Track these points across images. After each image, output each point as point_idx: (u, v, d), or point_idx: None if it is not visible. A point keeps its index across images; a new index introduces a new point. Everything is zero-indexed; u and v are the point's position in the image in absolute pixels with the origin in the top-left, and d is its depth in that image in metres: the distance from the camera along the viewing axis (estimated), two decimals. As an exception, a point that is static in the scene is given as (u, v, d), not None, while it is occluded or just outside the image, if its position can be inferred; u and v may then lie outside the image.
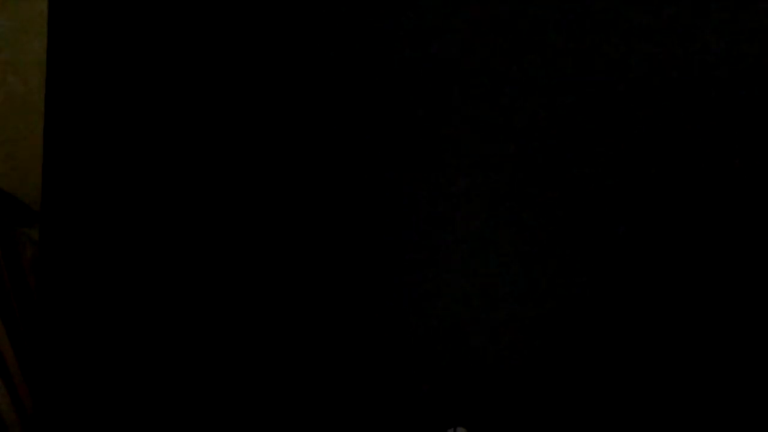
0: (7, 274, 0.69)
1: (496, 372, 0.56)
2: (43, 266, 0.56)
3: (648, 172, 0.55)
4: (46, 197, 0.56)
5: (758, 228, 0.56)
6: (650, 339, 0.56)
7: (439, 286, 0.56)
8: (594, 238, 0.56)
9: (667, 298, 0.56)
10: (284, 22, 0.55)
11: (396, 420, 0.56)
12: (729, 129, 0.55)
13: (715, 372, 0.56)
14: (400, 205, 0.55)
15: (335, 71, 0.55)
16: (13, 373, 0.68)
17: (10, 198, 0.75)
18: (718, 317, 0.56)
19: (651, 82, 0.55)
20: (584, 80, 0.55)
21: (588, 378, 0.56)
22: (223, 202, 0.56)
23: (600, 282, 0.56)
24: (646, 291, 0.56)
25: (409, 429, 0.56)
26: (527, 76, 0.55)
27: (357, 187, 0.55)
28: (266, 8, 0.55)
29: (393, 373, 0.56)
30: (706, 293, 0.56)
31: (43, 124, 0.56)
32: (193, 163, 0.56)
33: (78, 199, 0.56)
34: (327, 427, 0.56)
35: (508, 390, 0.56)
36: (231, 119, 0.55)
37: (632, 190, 0.55)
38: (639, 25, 0.55)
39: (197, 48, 0.55)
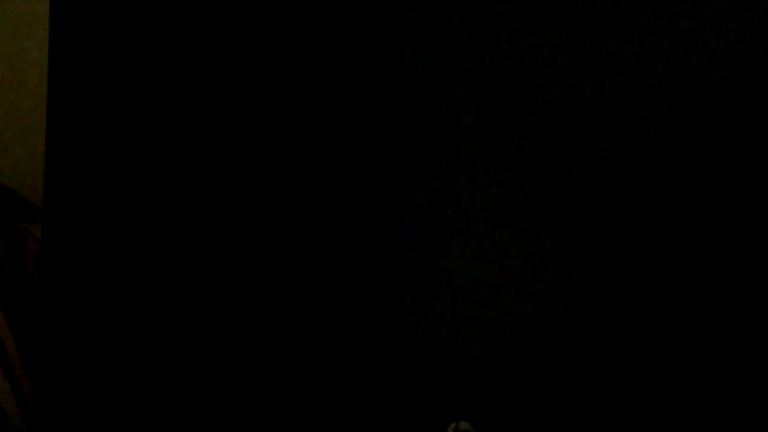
0: (9, 269, 0.69)
1: (498, 367, 0.56)
2: (46, 261, 0.56)
3: (648, 172, 0.55)
4: (48, 193, 0.56)
5: (759, 228, 0.56)
6: (648, 334, 0.56)
7: (443, 283, 0.56)
8: (594, 237, 0.55)
9: (666, 296, 0.56)
10: (286, 22, 0.55)
11: (400, 414, 0.56)
12: (729, 129, 0.55)
13: (714, 370, 0.56)
14: (401, 204, 0.55)
15: (336, 71, 0.55)
16: (15, 365, 0.68)
17: (12, 194, 0.75)
18: (719, 316, 0.56)
19: (651, 82, 0.55)
20: (585, 80, 0.55)
21: (588, 373, 0.56)
22: (223, 199, 0.56)
23: (600, 280, 0.56)
24: (645, 288, 0.56)
25: (413, 423, 0.56)
26: (528, 76, 0.55)
27: (358, 187, 0.55)
28: (268, 8, 0.55)
29: (396, 368, 0.56)
30: (706, 292, 0.56)
31: (45, 120, 0.56)
32: (194, 160, 0.56)
33: (80, 195, 0.56)
34: (332, 420, 0.56)
35: (510, 384, 0.56)
36: (230, 117, 0.55)
37: (633, 190, 0.55)
38: (639, 25, 0.55)
39: (199, 47, 0.55)
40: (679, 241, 0.56)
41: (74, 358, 0.56)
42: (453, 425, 0.56)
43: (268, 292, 0.56)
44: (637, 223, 0.55)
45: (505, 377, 0.56)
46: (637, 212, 0.55)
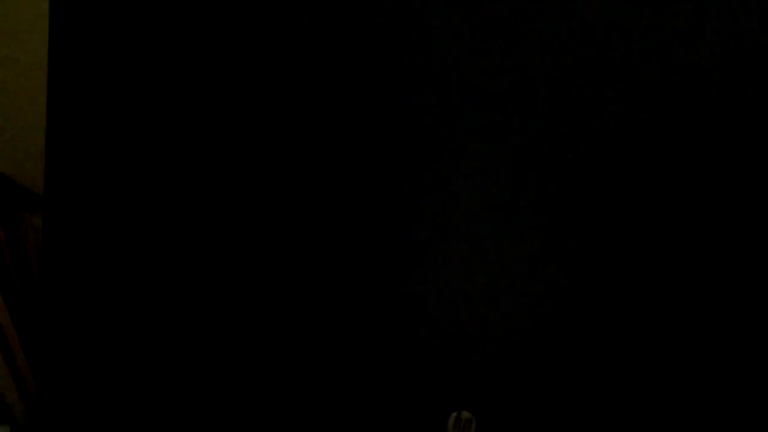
0: (10, 258, 0.69)
1: (499, 358, 0.56)
2: (46, 250, 0.56)
3: (649, 172, 0.55)
4: (49, 183, 0.56)
5: (759, 229, 0.56)
6: (645, 327, 0.56)
7: (445, 277, 0.56)
8: (595, 236, 0.56)
9: (665, 293, 0.56)
10: (288, 22, 0.55)
11: (403, 404, 0.56)
12: (730, 129, 0.55)
13: (714, 368, 0.56)
14: (403, 204, 0.55)
15: (337, 72, 0.55)
16: (15, 353, 0.68)
17: (13, 184, 0.75)
18: (719, 315, 0.56)
19: (651, 82, 0.55)
20: (585, 80, 0.55)
21: (587, 364, 0.56)
22: (223, 196, 0.56)
23: (599, 278, 0.56)
24: (644, 285, 0.56)
25: (415, 413, 0.56)
26: (528, 76, 0.55)
27: (359, 186, 0.55)
28: (269, 9, 0.55)
29: (399, 359, 0.56)
30: (706, 291, 0.56)
31: (46, 109, 0.56)
32: (195, 155, 0.55)
33: (80, 185, 0.56)
34: (335, 410, 0.56)
35: (511, 375, 0.56)
36: (233, 112, 0.55)
37: (633, 190, 0.55)
38: (639, 25, 0.55)
39: (203, 45, 0.55)
40: (680, 241, 0.56)
41: (74, 347, 0.56)
42: (455, 414, 0.56)
43: (270, 289, 0.56)
44: (637, 222, 0.55)
45: (506, 368, 0.56)
46: (638, 212, 0.55)
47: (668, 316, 0.56)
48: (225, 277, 0.56)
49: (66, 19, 0.55)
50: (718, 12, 0.55)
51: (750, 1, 0.55)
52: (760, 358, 0.56)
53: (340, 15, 0.55)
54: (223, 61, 0.55)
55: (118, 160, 0.56)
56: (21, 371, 0.70)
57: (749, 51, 0.55)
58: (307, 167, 0.56)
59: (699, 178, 0.55)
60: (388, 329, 0.56)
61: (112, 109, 0.55)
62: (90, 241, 0.56)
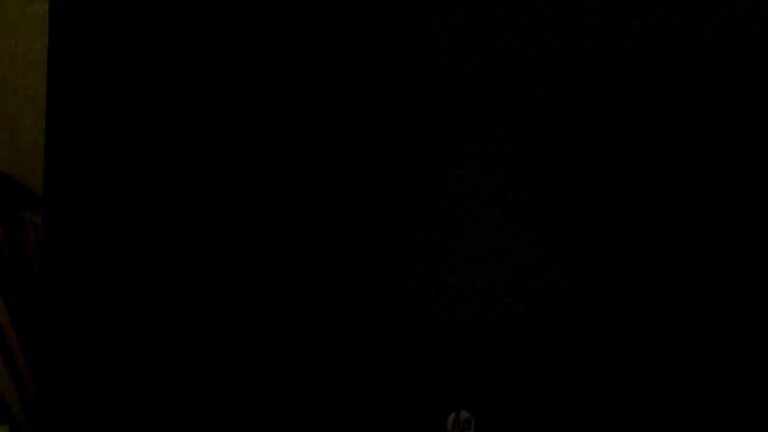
0: (9, 257, 0.69)
1: (498, 358, 0.56)
2: (46, 249, 0.56)
3: (649, 172, 0.55)
4: (48, 182, 0.56)
5: (760, 229, 0.56)
6: (646, 329, 0.56)
7: (444, 278, 0.56)
8: (595, 236, 0.56)
9: (666, 293, 0.56)
10: (288, 22, 0.55)
11: (401, 404, 0.56)
12: (730, 129, 0.55)
13: (714, 367, 0.56)
14: (404, 203, 0.56)
15: (338, 72, 0.55)
16: (14, 353, 0.68)
17: (13, 183, 0.75)
18: (719, 316, 0.56)
19: (652, 82, 0.55)
20: (585, 80, 0.55)
21: (587, 365, 0.56)
22: (223, 193, 0.56)
23: (600, 277, 0.56)
24: (645, 287, 0.56)
25: (414, 413, 0.56)
26: (528, 76, 0.55)
27: (359, 186, 0.55)
28: (269, 9, 0.55)
29: (398, 360, 0.56)
30: (708, 291, 0.56)
31: (46, 107, 0.56)
32: (195, 154, 0.55)
33: (79, 184, 0.56)
34: (334, 410, 0.56)
35: (510, 375, 0.56)
36: (233, 113, 0.55)
37: (634, 190, 0.55)
38: (639, 25, 0.55)
39: (200, 47, 0.55)
40: (681, 241, 0.56)
41: (74, 347, 0.56)
42: (453, 414, 0.56)
43: (271, 288, 0.56)
44: (638, 222, 0.55)
45: (505, 367, 0.56)
46: (639, 211, 0.55)
47: (669, 316, 0.56)
48: (225, 276, 0.56)
49: (66, 17, 0.55)
50: (719, 12, 0.55)
51: (750, 1, 0.55)
52: (761, 359, 0.56)
53: (341, 15, 0.55)
54: (223, 59, 0.55)
55: (117, 159, 0.56)
56: (20, 371, 0.70)
57: (750, 51, 0.55)
58: (307, 167, 0.56)
59: (700, 178, 0.55)
60: (387, 329, 0.56)
61: (112, 108, 0.55)
62: (90, 241, 0.56)
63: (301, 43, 0.55)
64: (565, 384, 0.56)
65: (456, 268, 0.56)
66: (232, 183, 0.55)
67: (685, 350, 0.56)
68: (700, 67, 0.55)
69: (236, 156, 0.55)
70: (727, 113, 0.55)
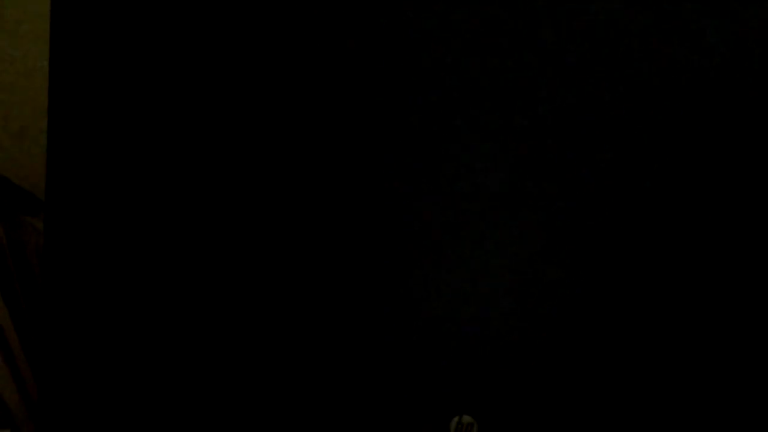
0: (11, 261, 0.69)
1: (501, 361, 0.56)
2: (48, 254, 0.56)
3: (650, 173, 0.55)
4: (50, 186, 0.56)
5: (760, 229, 0.56)
6: (648, 332, 0.56)
7: (445, 280, 0.56)
8: (598, 238, 0.55)
9: (667, 295, 0.56)
10: (288, 22, 0.55)
11: (403, 408, 0.56)
12: (730, 129, 0.55)
13: (715, 368, 0.56)
14: (404, 205, 0.55)
15: (338, 71, 0.55)
16: (17, 356, 0.68)
17: (15, 187, 0.75)
18: (722, 315, 0.56)
19: (652, 82, 0.55)
20: (585, 80, 0.55)
21: (590, 369, 0.56)
22: (224, 197, 0.56)
23: (603, 279, 0.56)
24: (647, 288, 0.56)
25: (417, 417, 0.56)
26: (527, 76, 0.55)
27: (360, 186, 0.55)
28: (269, 9, 0.55)
29: (400, 363, 0.56)
30: (708, 291, 0.56)
31: (47, 110, 0.56)
32: (196, 157, 0.55)
33: (81, 188, 0.56)
34: (336, 414, 0.56)
35: (513, 379, 0.56)
36: (234, 115, 0.55)
37: (634, 190, 0.55)
38: (640, 25, 0.55)
39: (205, 43, 0.55)
40: (682, 241, 0.55)
41: (76, 349, 0.56)
42: (456, 419, 0.56)
43: (272, 290, 0.56)
44: (639, 223, 0.55)
45: (508, 371, 0.56)
46: (640, 212, 0.55)
47: (671, 318, 0.56)
48: (227, 278, 0.56)
49: (67, 19, 0.55)
50: (719, 13, 0.55)
51: (750, 1, 0.55)
52: (761, 358, 0.56)
53: (342, 15, 0.55)
54: (224, 59, 0.55)
55: (119, 162, 0.56)
56: (22, 374, 0.70)
57: (750, 52, 0.55)
58: (306, 167, 0.55)
59: (700, 178, 0.55)
60: (389, 333, 0.56)
61: (114, 111, 0.55)
62: (92, 244, 0.56)
63: (300, 43, 0.55)
64: (568, 388, 0.56)
65: (458, 271, 0.56)
66: (233, 183, 0.55)
67: (688, 351, 0.56)
68: (701, 67, 0.55)
69: (237, 156, 0.55)
70: (727, 113, 0.55)
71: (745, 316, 0.56)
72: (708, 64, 0.55)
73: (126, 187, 0.56)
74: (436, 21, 0.55)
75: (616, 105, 0.55)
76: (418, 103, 0.55)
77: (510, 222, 0.55)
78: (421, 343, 0.56)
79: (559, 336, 0.56)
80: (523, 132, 0.55)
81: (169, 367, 0.56)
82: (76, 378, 0.56)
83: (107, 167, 0.56)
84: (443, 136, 0.55)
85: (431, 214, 0.55)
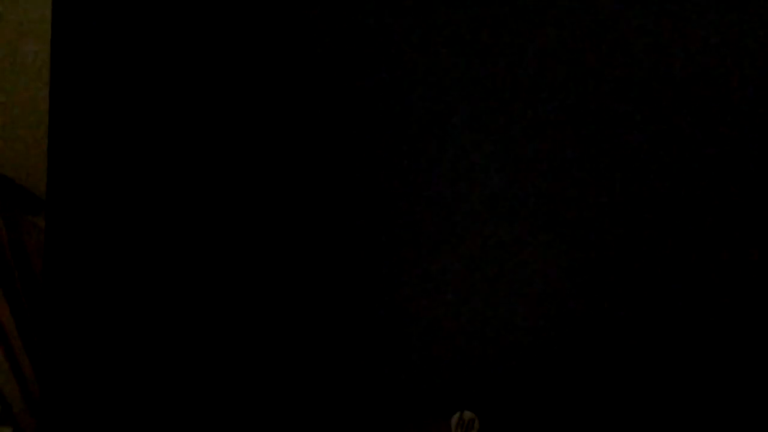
0: (12, 259, 0.69)
1: (502, 357, 0.56)
2: (49, 252, 0.56)
3: (649, 172, 0.55)
4: (51, 185, 0.56)
5: (760, 230, 0.56)
6: (647, 329, 0.56)
7: (446, 277, 0.56)
8: (597, 237, 0.56)
9: (668, 296, 0.56)
10: (288, 22, 0.55)
11: (405, 405, 0.56)
12: (730, 129, 0.55)
13: (715, 368, 0.56)
14: (407, 204, 0.56)
15: (337, 71, 0.55)
16: (18, 355, 0.68)
17: (15, 186, 0.75)
18: (722, 315, 0.56)
19: (651, 83, 0.55)
20: (585, 79, 0.55)
21: (590, 365, 0.56)
22: (223, 195, 0.56)
23: (602, 276, 0.56)
24: (646, 287, 0.56)
25: (418, 412, 0.56)
26: (526, 76, 0.55)
27: (359, 186, 0.55)
28: (269, 9, 0.55)
29: (402, 359, 0.56)
30: (707, 292, 0.56)
31: (48, 110, 0.56)
32: (196, 156, 0.56)
33: (82, 187, 0.56)
34: (337, 410, 0.56)
35: (514, 375, 0.56)
36: (233, 114, 0.55)
37: (633, 190, 0.55)
38: (638, 25, 0.55)
39: (201, 43, 0.55)
40: (682, 242, 0.56)
41: (77, 347, 0.56)
42: (457, 414, 0.56)
43: (274, 289, 0.56)
44: (639, 223, 0.55)
45: (509, 367, 0.56)
46: (639, 212, 0.55)
47: (670, 317, 0.56)
48: (226, 277, 0.56)
49: (68, 19, 0.55)
50: (719, 12, 0.55)
51: (750, 1, 0.55)
52: (763, 361, 0.56)
53: (340, 16, 0.55)
54: (223, 60, 0.55)
55: (120, 161, 0.56)
56: (24, 372, 0.70)
57: (750, 51, 0.55)
58: (307, 169, 0.56)
59: (700, 178, 0.55)
60: (390, 330, 0.56)
61: (115, 110, 0.55)
62: (92, 242, 0.56)
63: (300, 43, 0.55)
64: (568, 383, 0.56)
65: (458, 268, 0.56)
66: (232, 183, 0.55)
67: (687, 350, 0.56)
68: (700, 67, 0.55)
69: (236, 156, 0.55)
70: (727, 113, 0.55)
71: (747, 317, 0.56)
72: (708, 64, 0.55)
73: (126, 186, 0.56)
74: (435, 21, 0.55)
75: (614, 104, 0.55)
76: (418, 102, 0.55)
77: (512, 220, 0.55)
78: (422, 339, 0.56)
79: (559, 332, 0.56)
80: (523, 131, 0.55)
81: (170, 365, 0.56)
82: (76, 375, 0.57)
83: (107, 166, 0.56)
84: (443, 136, 0.55)
85: (435, 214, 0.55)
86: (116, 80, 0.55)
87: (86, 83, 0.56)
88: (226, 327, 0.56)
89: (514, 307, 0.56)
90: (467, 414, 0.56)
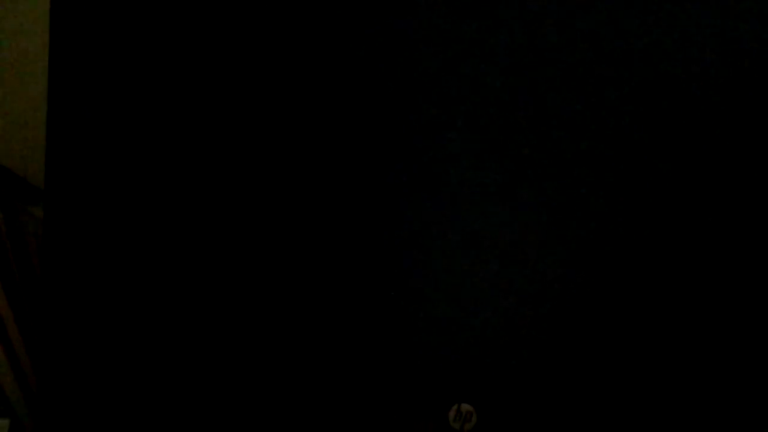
0: (11, 250, 0.69)
1: (499, 350, 0.56)
2: (47, 243, 0.56)
3: (648, 171, 0.55)
4: (50, 175, 0.56)
5: (759, 229, 0.56)
6: (643, 323, 0.56)
7: (444, 270, 0.56)
8: (594, 232, 0.56)
9: (664, 291, 0.56)
10: (287, 21, 0.55)
11: (403, 397, 0.56)
12: (730, 129, 0.55)
13: (715, 365, 0.56)
14: (404, 200, 0.56)
15: (335, 69, 0.55)
16: (16, 348, 0.68)
17: (14, 177, 0.75)
18: (722, 312, 0.56)
19: (651, 83, 0.55)
20: (585, 79, 0.55)
21: (587, 358, 0.56)
22: (221, 188, 0.56)
23: (598, 271, 0.56)
24: (643, 282, 0.56)
25: (417, 405, 0.56)
26: (526, 75, 0.55)
27: (359, 186, 0.55)
28: (269, 8, 0.55)
29: (400, 352, 0.56)
30: (705, 288, 0.56)
31: (47, 101, 0.56)
32: (194, 149, 0.55)
33: (80, 178, 0.56)
34: (336, 403, 0.56)
35: (511, 367, 0.56)
36: (231, 110, 0.55)
37: (632, 190, 0.55)
38: (636, 26, 0.55)
39: (201, 45, 0.55)
40: (679, 240, 0.56)
41: (75, 340, 0.56)
42: (455, 407, 0.56)
43: (272, 283, 0.56)
44: (637, 219, 0.56)
45: (506, 360, 0.56)
46: (637, 212, 0.55)
47: (667, 312, 0.56)
48: (224, 268, 0.56)
49: (67, 12, 0.55)
50: (719, 12, 0.55)
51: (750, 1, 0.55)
52: (760, 358, 0.56)
53: (340, 17, 0.55)
54: (222, 58, 0.55)
55: (118, 152, 0.56)
56: (21, 364, 0.70)
57: (749, 51, 0.55)
58: (307, 169, 0.55)
59: (699, 177, 0.55)
60: (389, 323, 0.56)
61: (112, 101, 0.55)
62: (91, 234, 0.56)
63: (299, 44, 0.55)
64: (565, 376, 0.56)
65: (456, 261, 0.56)
66: (231, 175, 0.55)
67: (681, 345, 0.56)
68: (699, 67, 0.55)
69: (235, 149, 0.55)
70: (726, 113, 0.55)
71: (746, 315, 0.56)
72: (707, 63, 0.55)
73: (124, 177, 0.56)
74: (434, 23, 0.55)
75: (612, 103, 0.55)
76: (417, 100, 0.55)
77: (510, 215, 0.55)
78: (420, 333, 0.56)
79: (557, 326, 0.56)
80: (523, 130, 0.55)
81: (167, 358, 0.56)
82: (74, 368, 0.57)
83: (105, 158, 0.56)
84: (443, 135, 0.55)
85: (434, 210, 0.55)
86: (113, 70, 0.55)
87: (84, 73, 0.55)
88: (222, 312, 0.56)
89: (512, 300, 0.56)
90: (465, 406, 0.56)
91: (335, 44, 0.55)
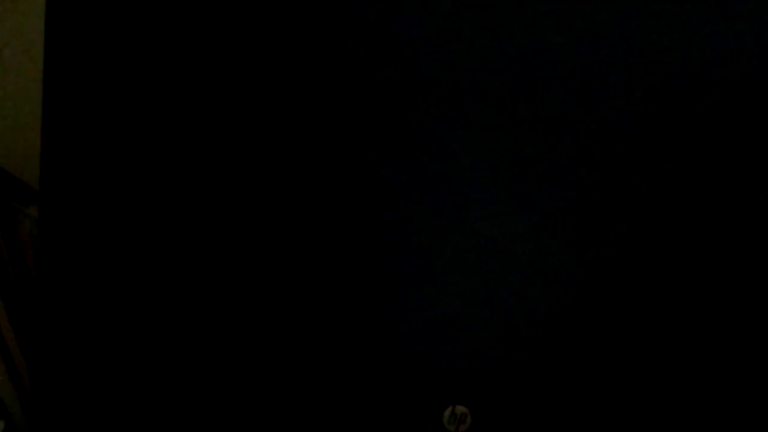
0: (6, 251, 0.69)
1: (495, 352, 0.56)
2: (43, 244, 0.56)
3: (649, 171, 0.55)
4: (45, 176, 0.56)
5: (760, 229, 0.56)
6: (642, 325, 0.56)
7: (438, 272, 0.56)
8: (592, 234, 0.56)
9: (664, 293, 0.56)
10: (288, 21, 0.55)
11: (397, 399, 0.56)
12: (732, 129, 0.55)
13: (716, 366, 0.57)
14: (401, 200, 0.56)
15: (338, 69, 0.55)
16: (12, 349, 0.68)
17: (9, 177, 0.74)
18: (724, 314, 0.56)
19: (651, 83, 0.55)
20: (585, 79, 0.55)
21: (583, 360, 0.56)
22: (219, 189, 0.56)
23: (595, 271, 0.56)
24: (643, 284, 0.56)
25: (411, 407, 0.57)
26: (526, 75, 0.55)
27: (359, 186, 0.55)
28: (269, 7, 0.55)
29: (394, 354, 0.56)
30: (707, 289, 0.56)
31: (42, 101, 0.56)
32: (191, 149, 0.55)
33: (76, 178, 0.56)
34: (330, 404, 0.56)
35: (507, 369, 0.56)
36: (231, 110, 0.55)
37: (633, 190, 0.55)
38: (637, 26, 0.55)
39: (198, 45, 0.55)
40: (680, 240, 0.56)
41: (71, 342, 0.56)
42: (450, 408, 0.56)
43: (269, 283, 0.56)
44: (638, 221, 0.56)
45: (501, 362, 0.56)
46: (639, 212, 0.56)
47: (666, 313, 0.56)
48: (220, 271, 0.56)
49: (61, 13, 0.55)
50: (719, 13, 0.55)
51: (750, 1, 0.55)
52: (761, 359, 0.56)
53: (339, 17, 0.55)
54: (221, 58, 0.55)
55: (113, 152, 0.56)
56: (17, 366, 0.70)
57: (750, 52, 0.55)
58: (307, 169, 0.56)
59: (698, 177, 0.56)
60: (383, 324, 0.56)
61: (108, 101, 0.55)
62: (86, 234, 0.56)
63: (299, 44, 0.55)
64: (561, 378, 0.56)
65: (452, 263, 0.56)
66: (229, 176, 0.55)
67: (682, 347, 0.56)
68: (700, 68, 0.55)
69: (233, 149, 0.55)
70: (726, 113, 0.55)
71: (747, 316, 0.56)
72: (707, 63, 0.55)
73: (120, 177, 0.56)
74: (433, 23, 0.55)
75: (613, 102, 0.55)
76: (417, 99, 0.55)
77: (504, 218, 0.56)
78: (415, 333, 0.56)
79: (553, 327, 0.56)
80: (522, 128, 0.55)
81: (164, 361, 0.56)
82: (69, 368, 0.56)
83: (100, 158, 0.56)
84: (442, 137, 0.55)
85: (428, 209, 0.55)
86: (109, 71, 0.55)
87: (79, 73, 0.55)
88: (219, 315, 0.56)
89: (508, 300, 0.56)
90: (460, 408, 0.56)
91: (335, 44, 0.55)
